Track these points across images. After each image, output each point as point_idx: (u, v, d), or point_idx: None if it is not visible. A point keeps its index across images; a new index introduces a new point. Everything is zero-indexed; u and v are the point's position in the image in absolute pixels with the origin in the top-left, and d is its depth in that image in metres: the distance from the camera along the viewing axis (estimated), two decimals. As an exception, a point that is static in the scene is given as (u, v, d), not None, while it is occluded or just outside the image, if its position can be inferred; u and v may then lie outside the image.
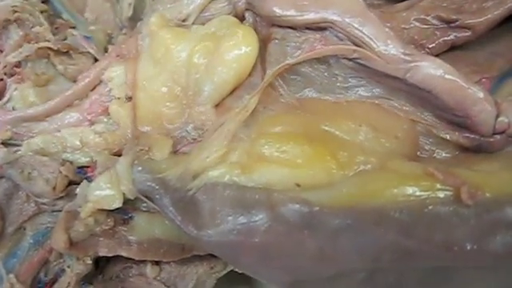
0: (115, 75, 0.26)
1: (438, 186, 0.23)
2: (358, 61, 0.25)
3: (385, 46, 0.24)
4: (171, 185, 0.23)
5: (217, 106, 0.25)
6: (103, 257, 0.25)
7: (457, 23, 0.28)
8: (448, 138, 0.26)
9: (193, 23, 0.28)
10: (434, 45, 0.29)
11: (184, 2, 0.27)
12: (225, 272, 0.27)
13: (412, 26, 0.29)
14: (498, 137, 0.25)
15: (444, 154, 0.26)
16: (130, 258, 0.25)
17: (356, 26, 0.24)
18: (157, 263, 0.26)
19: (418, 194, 0.23)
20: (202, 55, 0.25)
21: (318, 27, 0.25)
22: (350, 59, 0.25)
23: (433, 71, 0.25)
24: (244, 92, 0.26)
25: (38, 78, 0.28)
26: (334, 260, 0.22)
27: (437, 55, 0.29)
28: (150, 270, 0.26)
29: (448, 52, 0.29)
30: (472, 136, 0.25)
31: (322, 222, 0.22)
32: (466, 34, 0.28)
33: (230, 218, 0.22)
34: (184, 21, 0.27)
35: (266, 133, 0.24)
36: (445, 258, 0.22)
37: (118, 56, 0.27)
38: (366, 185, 0.23)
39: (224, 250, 0.22)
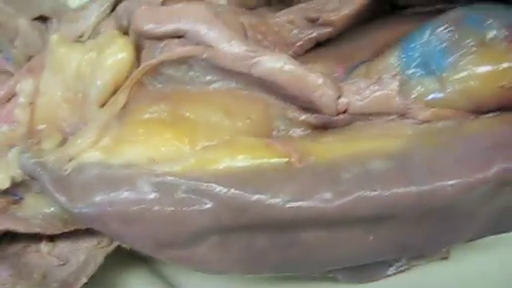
0: (25, 87, 0.32)
1: (274, 154, 0.27)
2: (210, 60, 0.29)
3: (229, 45, 0.29)
4: (50, 167, 0.28)
5: (103, 105, 0.30)
6: (5, 237, 0.31)
7: (319, 21, 0.33)
8: (300, 118, 0.30)
9: (88, 38, 0.33)
10: (301, 42, 0.33)
11: (80, 22, 0.33)
12: (112, 247, 0.31)
13: (284, 28, 0.33)
14: (341, 116, 0.30)
15: (299, 132, 0.30)
16: (30, 239, 0.30)
17: (204, 31, 0.29)
18: (51, 240, 0.31)
19: (252, 160, 0.27)
20: (87, 64, 0.31)
21: (176, 36, 0.30)
22: (204, 59, 0.29)
23: (273, 64, 0.29)
24: (125, 92, 0.31)
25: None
26: (183, 223, 0.27)
27: (306, 51, 0.33)
28: (43, 246, 0.31)
29: (316, 48, 0.34)
30: (320, 116, 0.30)
31: (170, 189, 0.27)
32: (328, 29, 0.33)
33: (96, 191, 0.27)
34: (80, 37, 0.33)
35: (131, 121, 0.29)
36: (272, 215, 0.26)
37: (28, 70, 0.32)
38: (207, 155, 0.27)
39: (93, 219, 0.27)
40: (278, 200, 0.26)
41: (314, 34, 0.33)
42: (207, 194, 0.26)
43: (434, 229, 0.30)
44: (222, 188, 0.26)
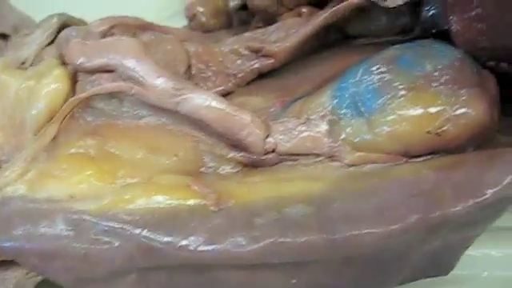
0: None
1: (192, 195, 0.27)
2: (138, 97, 0.29)
3: (156, 82, 0.29)
4: (-25, 197, 0.29)
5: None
6: None
7: (261, 52, 0.32)
8: (228, 156, 0.30)
9: (31, 65, 0.33)
10: (243, 74, 0.33)
11: (24, 49, 0.33)
12: (41, 277, 0.31)
13: (227, 58, 0.33)
14: (269, 155, 0.29)
15: (228, 170, 0.30)
16: None
17: (131, 67, 0.29)
18: None
19: (169, 201, 0.27)
20: (25, 91, 0.31)
21: (106, 70, 0.30)
22: (132, 95, 0.29)
23: (200, 102, 0.29)
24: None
25: None
26: (98, 261, 0.27)
27: (248, 83, 0.33)
28: None
29: (258, 79, 0.33)
30: (247, 155, 0.30)
31: (85, 228, 0.27)
32: (270, 61, 0.32)
33: (18, 225, 0.28)
34: (23, 63, 0.33)
35: (58, 155, 0.29)
36: (184, 257, 0.26)
37: (-26, 95, 0.33)
38: (124, 194, 0.27)
39: (13, 252, 0.28)
40: (189, 243, 0.26)
41: (257, 65, 0.33)
42: (120, 234, 0.26)
43: (364, 272, 0.29)
44: (134, 229, 0.26)
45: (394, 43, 0.31)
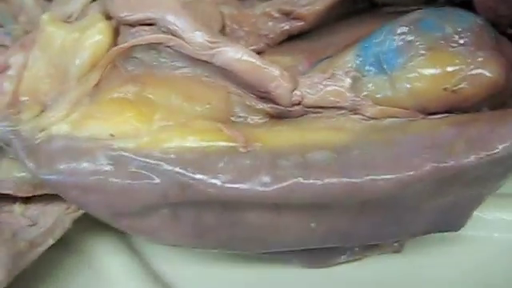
0: (16, 61, 0.35)
1: (222, 138, 0.30)
2: (176, 48, 0.32)
3: (193, 35, 0.31)
4: (23, 135, 0.31)
5: (82, 82, 0.33)
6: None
7: (292, 15, 0.34)
8: (257, 107, 0.32)
9: (76, 19, 0.36)
10: (274, 35, 0.35)
11: (70, 4, 0.36)
12: (79, 213, 0.34)
13: (260, 20, 0.35)
14: (296, 107, 0.32)
15: (256, 120, 0.32)
16: (4, 199, 0.33)
17: (172, 21, 0.31)
18: (24, 202, 0.34)
19: (201, 142, 0.29)
20: (70, 42, 0.33)
21: (146, 23, 0.32)
22: (170, 47, 0.32)
23: (233, 55, 0.31)
24: (102, 71, 0.34)
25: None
26: (135, 196, 0.30)
27: (279, 44, 0.35)
28: (17, 207, 0.34)
29: (288, 41, 0.35)
30: (275, 106, 0.32)
31: (124, 163, 0.29)
32: (300, 23, 0.35)
33: (60, 161, 0.30)
34: (69, 17, 0.36)
35: (101, 99, 0.31)
36: (213, 194, 0.29)
37: (21, 46, 0.36)
38: (161, 134, 0.30)
39: (56, 185, 0.30)
40: (217, 180, 0.28)
41: (287, 27, 0.35)
42: (156, 170, 0.29)
43: (378, 220, 0.31)
44: (168, 166, 0.28)
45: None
